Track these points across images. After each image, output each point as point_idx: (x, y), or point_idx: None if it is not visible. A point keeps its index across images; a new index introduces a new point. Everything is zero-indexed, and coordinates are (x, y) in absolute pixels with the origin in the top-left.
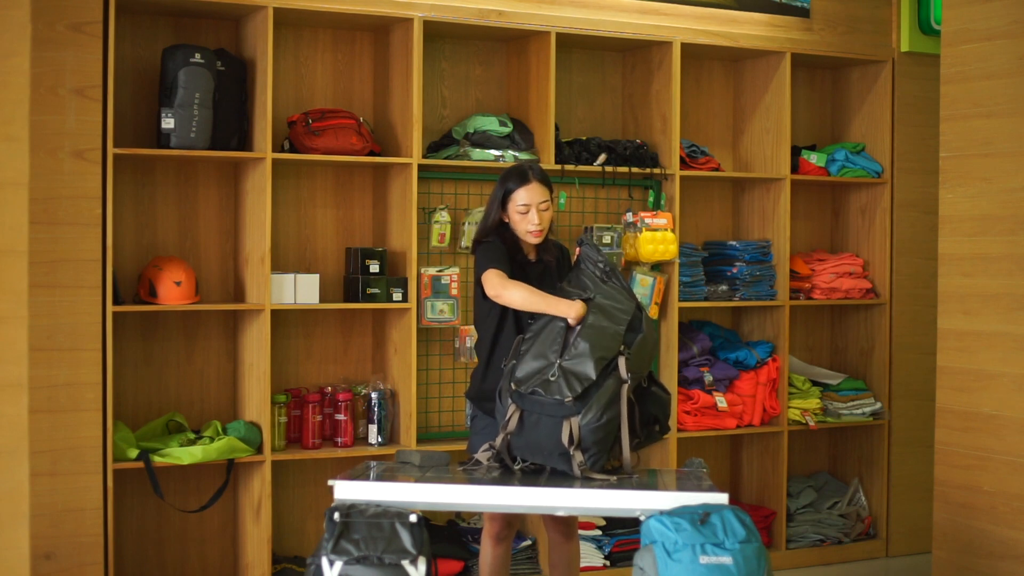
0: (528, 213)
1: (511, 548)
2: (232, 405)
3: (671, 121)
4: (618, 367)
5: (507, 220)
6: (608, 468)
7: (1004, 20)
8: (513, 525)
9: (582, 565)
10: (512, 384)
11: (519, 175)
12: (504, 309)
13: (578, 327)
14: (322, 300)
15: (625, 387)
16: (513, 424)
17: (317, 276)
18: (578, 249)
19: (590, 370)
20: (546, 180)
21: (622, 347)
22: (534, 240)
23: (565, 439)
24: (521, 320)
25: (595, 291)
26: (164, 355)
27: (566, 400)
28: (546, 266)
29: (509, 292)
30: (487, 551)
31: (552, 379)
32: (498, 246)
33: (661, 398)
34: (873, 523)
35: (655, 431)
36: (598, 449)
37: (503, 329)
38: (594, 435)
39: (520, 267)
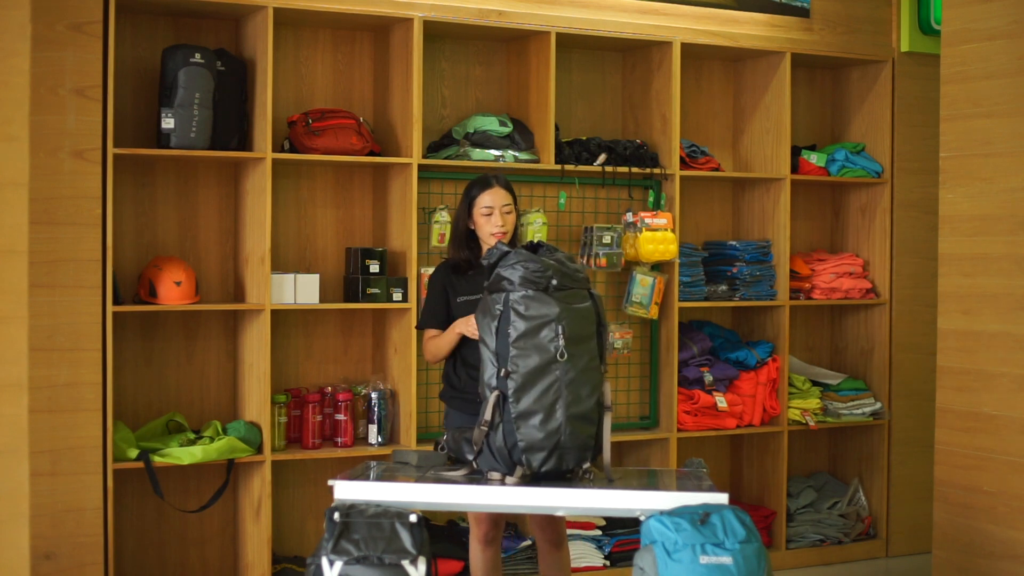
0: (492, 215)
1: (500, 550)
2: (232, 405)
3: (671, 121)
4: (603, 394)
5: (473, 227)
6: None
7: (1004, 20)
8: (500, 526)
9: (583, 565)
10: (520, 467)
11: (482, 181)
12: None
13: (562, 379)
14: (322, 300)
15: (609, 414)
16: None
17: (317, 276)
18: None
19: (592, 415)
20: (509, 186)
21: (601, 366)
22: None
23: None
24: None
25: (564, 314)
26: (164, 355)
27: (585, 474)
28: None
29: (428, 353)
30: (476, 555)
31: (567, 452)
32: (441, 279)
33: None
34: (873, 523)
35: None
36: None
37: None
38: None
39: (477, 277)
